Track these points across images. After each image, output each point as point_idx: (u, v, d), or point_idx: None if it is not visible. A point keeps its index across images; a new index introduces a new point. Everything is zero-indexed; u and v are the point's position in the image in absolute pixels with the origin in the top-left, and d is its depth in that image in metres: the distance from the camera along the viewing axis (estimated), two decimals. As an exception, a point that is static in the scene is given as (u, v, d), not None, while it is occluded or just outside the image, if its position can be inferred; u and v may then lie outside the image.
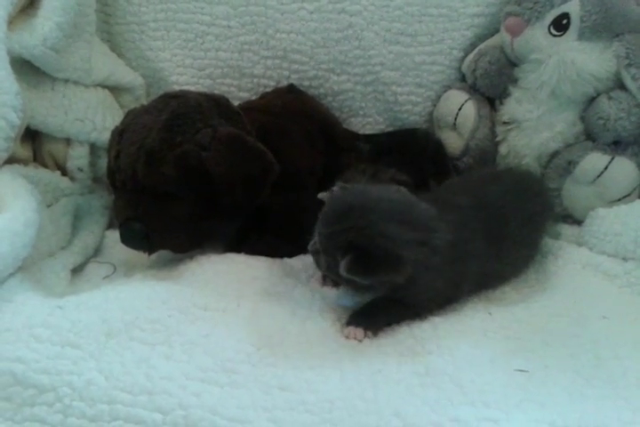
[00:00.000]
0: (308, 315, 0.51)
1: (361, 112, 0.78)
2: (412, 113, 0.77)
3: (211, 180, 0.51)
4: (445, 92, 0.75)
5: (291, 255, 0.59)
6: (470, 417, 0.40)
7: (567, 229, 0.68)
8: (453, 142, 0.74)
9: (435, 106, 0.76)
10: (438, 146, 0.75)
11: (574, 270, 0.60)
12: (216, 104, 0.54)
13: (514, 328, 0.52)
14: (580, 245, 0.64)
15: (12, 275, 0.48)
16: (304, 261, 0.58)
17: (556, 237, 0.68)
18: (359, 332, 0.49)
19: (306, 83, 0.74)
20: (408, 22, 0.71)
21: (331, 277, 0.51)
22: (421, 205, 0.50)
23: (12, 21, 0.58)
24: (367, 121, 0.78)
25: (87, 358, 0.41)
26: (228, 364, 0.43)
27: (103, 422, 0.39)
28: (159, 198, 0.51)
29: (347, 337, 0.49)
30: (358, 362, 0.45)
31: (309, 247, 0.50)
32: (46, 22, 0.58)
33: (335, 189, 0.50)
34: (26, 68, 0.59)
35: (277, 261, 0.58)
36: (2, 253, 0.45)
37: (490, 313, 0.53)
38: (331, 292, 0.54)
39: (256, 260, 0.57)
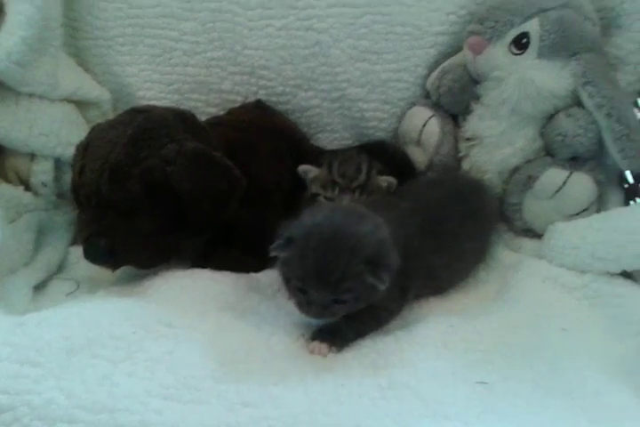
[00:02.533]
0: (272, 331, 0.51)
1: (328, 128, 0.79)
2: (378, 129, 0.78)
3: (176, 195, 0.51)
4: (410, 108, 0.76)
5: (257, 270, 0.60)
6: (426, 428, 0.41)
7: (528, 243, 0.70)
8: (418, 158, 0.75)
9: (400, 122, 0.78)
10: (404, 157, 0.76)
11: (534, 283, 0.61)
12: (182, 119, 0.54)
13: (475, 340, 0.53)
14: (539, 258, 0.65)
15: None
16: (270, 276, 0.59)
17: (517, 250, 0.70)
18: (324, 347, 0.50)
19: (273, 98, 0.75)
20: (374, 40, 0.72)
21: (300, 302, 0.50)
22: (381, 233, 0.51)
23: None
24: (334, 137, 0.79)
25: (47, 377, 0.41)
26: (190, 380, 0.43)
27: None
28: (124, 214, 0.51)
29: (312, 352, 0.49)
30: (322, 377, 0.46)
31: (273, 252, 0.50)
32: (10, 37, 0.58)
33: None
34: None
35: (244, 275, 0.58)
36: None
37: (451, 325, 0.54)
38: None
39: (222, 275, 0.57)
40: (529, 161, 0.69)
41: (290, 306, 0.55)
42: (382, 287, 0.48)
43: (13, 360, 0.41)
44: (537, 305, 0.58)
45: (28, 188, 0.61)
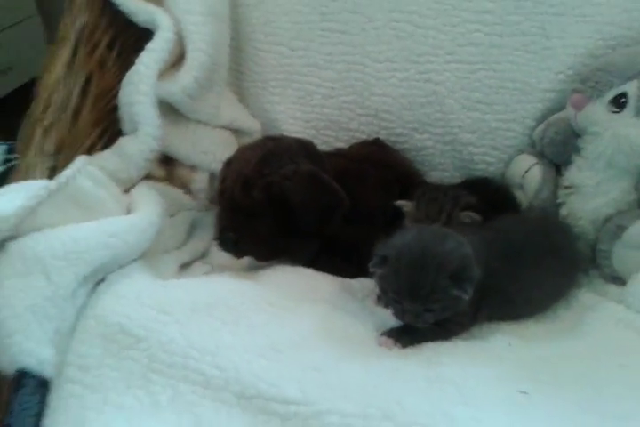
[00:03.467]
0: (353, 323, 0.61)
1: (440, 167, 0.88)
2: (486, 172, 0.86)
3: (289, 206, 0.64)
4: (517, 155, 0.84)
5: (352, 277, 0.70)
6: (460, 414, 0.48)
7: (614, 289, 0.72)
8: (519, 201, 0.82)
9: (507, 167, 0.85)
10: (507, 194, 0.82)
11: (607, 323, 0.65)
12: (304, 147, 0.68)
13: (528, 360, 0.58)
14: (619, 302, 0.69)
15: (134, 260, 0.63)
16: (361, 283, 0.69)
17: (603, 295, 0.73)
18: (390, 342, 0.59)
19: (392, 138, 0.86)
20: (486, 93, 0.81)
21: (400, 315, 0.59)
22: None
23: (161, 74, 0.75)
24: (445, 175, 0.88)
25: (173, 323, 0.55)
26: (277, 345, 0.55)
27: (176, 369, 0.52)
28: (249, 216, 0.65)
29: (379, 345, 0.59)
30: (382, 360, 0.55)
31: (371, 269, 0.60)
32: (186, 76, 0.75)
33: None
34: (168, 109, 0.76)
35: (340, 279, 0.69)
36: (128, 242, 0.61)
37: (510, 344, 0.60)
38: (380, 310, 0.64)
39: (322, 275, 0.68)
40: (621, 212, 0.73)
41: (373, 308, 0.65)
42: (466, 297, 0.56)
43: (154, 308, 0.56)
44: (602, 340, 0.62)
45: (188, 192, 0.78)
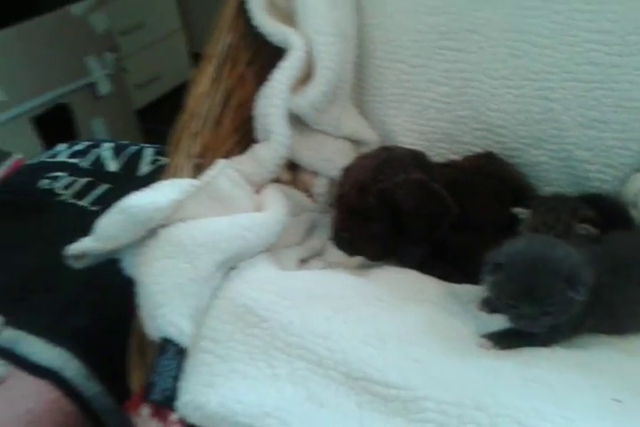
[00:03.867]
0: (455, 323, 0.65)
1: (554, 183, 0.89)
2: (600, 189, 0.86)
3: (400, 211, 0.70)
4: (633, 173, 0.84)
5: (458, 282, 0.74)
6: (551, 412, 0.51)
7: None
8: (634, 219, 0.82)
9: (622, 185, 0.85)
10: (622, 211, 0.82)
11: None
12: (416, 158, 0.74)
13: (629, 373, 0.59)
14: None
15: (261, 252, 0.72)
16: (466, 289, 0.72)
17: None
18: (489, 344, 0.62)
19: (506, 153, 0.88)
20: (603, 111, 0.82)
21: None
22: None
23: (292, 89, 0.83)
24: (558, 191, 0.88)
25: (292, 308, 0.62)
26: (383, 336, 0.60)
27: (293, 348, 0.59)
28: (363, 218, 0.72)
29: (478, 346, 0.63)
30: (481, 359, 0.59)
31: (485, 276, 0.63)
32: (314, 91, 0.83)
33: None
34: (296, 120, 0.84)
35: (445, 282, 0.73)
36: (258, 236, 0.70)
37: (610, 357, 0.61)
38: (483, 315, 0.68)
39: (428, 278, 0.73)
40: None
41: (476, 312, 0.68)
42: (580, 298, 0.59)
43: (275, 293, 0.64)
44: None
45: (309, 195, 0.86)
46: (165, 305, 0.63)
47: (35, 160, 1.25)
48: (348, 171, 0.75)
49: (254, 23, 0.87)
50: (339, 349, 0.58)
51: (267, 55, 0.92)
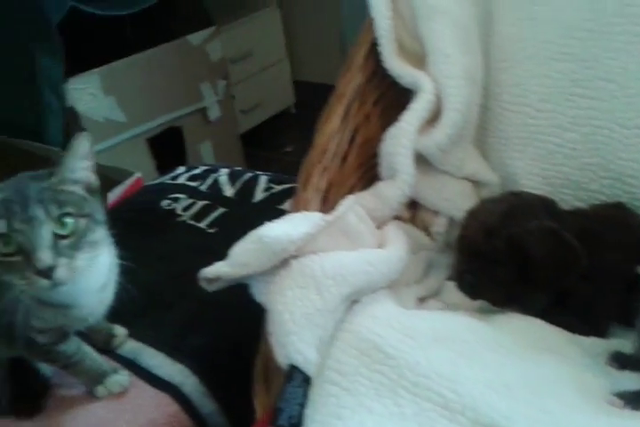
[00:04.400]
0: (583, 376, 0.64)
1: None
2: None
3: (529, 258, 0.70)
4: None
5: (585, 334, 0.72)
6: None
7: None
8: None
9: None
10: None
11: None
12: (545, 204, 0.74)
13: None
14: None
15: (382, 287, 0.74)
16: (593, 341, 0.71)
17: None
18: (620, 403, 0.61)
19: (636, 203, 0.85)
20: None
21: None
22: None
23: (419, 130, 0.86)
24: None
25: (418, 348, 0.63)
26: (509, 384, 0.60)
27: (419, 388, 0.60)
28: (488, 262, 0.72)
29: (609, 403, 0.61)
30: (611, 417, 0.57)
31: None
32: (441, 132, 0.85)
33: None
34: (419, 160, 0.86)
35: (569, 333, 0.72)
36: (382, 272, 0.72)
37: None
38: (614, 370, 0.66)
39: (552, 327, 0.72)
40: None
41: (605, 367, 0.67)
42: None
43: (401, 332, 0.65)
44: None
45: (427, 233, 0.88)
46: (294, 333, 0.65)
47: (157, 181, 1.34)
48: (473, 213, 0.76)
49: (384, 65, 0.91)
50: (466, 393, 0.58)
51: (391, 95, 0.95)
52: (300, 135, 2.49)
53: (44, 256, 0.61)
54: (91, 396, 0.80)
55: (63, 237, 0.63)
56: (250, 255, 0.72)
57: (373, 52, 0.94)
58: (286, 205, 1.16)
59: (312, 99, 2.69)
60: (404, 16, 0.92)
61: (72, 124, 1.72)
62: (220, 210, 1.18)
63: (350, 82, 0.90)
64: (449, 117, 0.85)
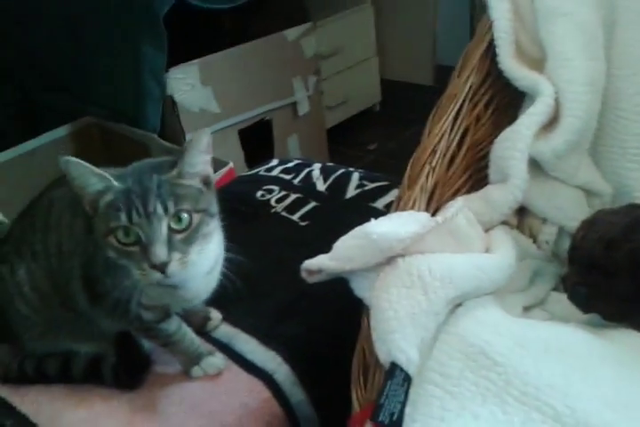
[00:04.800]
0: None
1: None
2: None
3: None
4: None
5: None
6: None
7: None
8: None
9: None
10: None
11: None
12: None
13: None
14: None
15: (487, 294, 0.72)
16: None
17: None
18: None
19: None
20: None
21: None
22: None
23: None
24: None
25: (528, 357, 0.62)
26: (627, 402, 0.57)
27: (528, 398, 0.58)
28: (605, 275, 0.69)
29: None
30: None
31: None
32: (559, 138, 0.83)
33: None
34: (531, 165, 0.84)
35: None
36: (490, 277, 0.71)
37: None
38: None
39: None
40: None
41: None
42: None
43: (510, 340, 0.64)
44: None
45: (534, 241, 0.86)
46: (398, 332, 0.65)
47: (251, 172, 1.37)
48: (591, 224, 0.73)
49: (500, 67, 0.89)
50: (580, 408, 0.57)
51: (503, 98, 0.94)
52: (384, 134, 2.48)
53: (159, 252, 0.64)
54: (186, 376, 0.82)
55: (178, 231, 0.66)
56: (354, 251, 0.72)
57: (489, 52, 0.92)
58: (378, 203, 1.16)
59: (397, 98, 2.70)
60: (524, 18, 0.90)
61: (169, 112, 1.78)
62: (312, 204, 1.19)
63: (464, 82, 0.89)
64: (569, 123, 0.82)
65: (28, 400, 0.81)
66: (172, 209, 0.65)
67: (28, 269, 0.78)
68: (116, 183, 0.66)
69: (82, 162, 0.65)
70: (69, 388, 0.81)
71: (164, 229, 0.65)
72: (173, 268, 0.65)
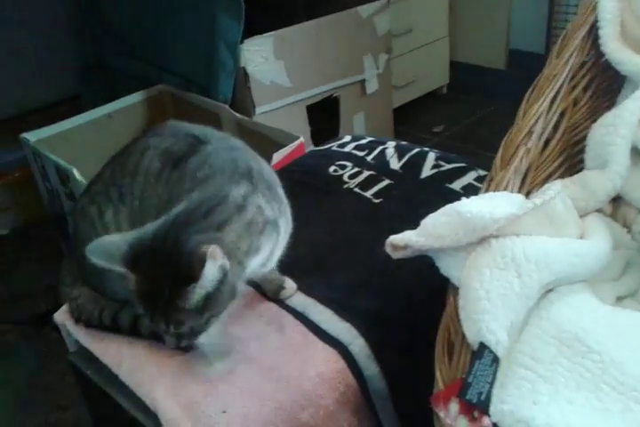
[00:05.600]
0: None
1: None
2: None
3: None
4: None
5: None
6: None
7: None
8: None
9: None
10: None
11: None
12: None
13: None
14: None
15: (580, 281, 0.71)
16: None
17: None
18: None
19: None
20: None
21: None
22: None
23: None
24: None
25: (626, 347, 0.60)
26: None
27: (626, 387, 0.57)
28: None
29: None
30: None
31: None
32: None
33: None
34: (632, 152, 0.82)
35: None
36: (586, 264, 0.69)
37: None
38: None
39: None
40: None
41: None
42: None
43: (607, 328, 0.62)
44: None
45: (628, 231, 0.83)
46: (488, 312, 0.64)
47: (323, 147, 1.36)
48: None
49: (603, 49, 0.86)
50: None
51: (601, 82, 0.90)
52: (449, 116, 2.44)
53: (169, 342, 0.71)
54: (265, 342, 0.83)
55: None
56: (446, 228, 0.71)
57: (591, 34, 0.89)
58: (455, 184, 1.14)
59: (465, 80, 2.64)
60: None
61: (241, 84, 1.79)
62: (386, 182, 1.18)
63: (564, 63, 0.86)
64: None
65: (111, 352, 0.84)
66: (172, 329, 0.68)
67: (115, 211, 0.80)
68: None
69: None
70: (153, 344, 0.83)
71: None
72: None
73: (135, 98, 1.82)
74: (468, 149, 2.12)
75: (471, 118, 2.39)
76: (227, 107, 1.73)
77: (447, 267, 0.73)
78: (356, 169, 1.23)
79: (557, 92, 0.85)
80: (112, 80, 2.14)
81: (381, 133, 2.16)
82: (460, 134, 2.30)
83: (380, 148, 1.30)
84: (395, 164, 1.24)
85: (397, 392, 0.84)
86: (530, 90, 0.87)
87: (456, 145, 2.20)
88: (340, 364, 0.82)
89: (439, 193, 1.11)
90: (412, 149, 1.28)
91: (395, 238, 0.76)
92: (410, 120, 2.40)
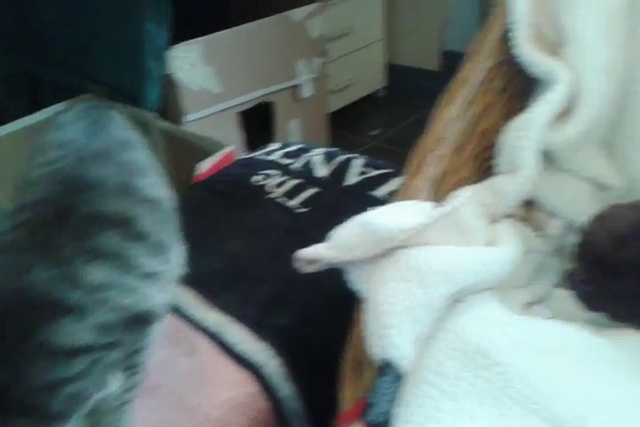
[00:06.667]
0: None
1: None
2: None
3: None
4: None
5: None
6: None
7: None
8: None
9: None
10: None
11: None
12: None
13: None
14: None
15: (487, 289, 0.69)
16: None
17: None
18: None
19: None
20: None
21: None
22: None
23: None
24: None
25: (528, 358, 0.58)
26: (627, 405, 0.55)
27: (528, 401, 0.55)
28: (613, 273, 0.66)
29: None
30: None
31: None
32: (572, 129, 0.79)
33: None
34: (543, 155, 0.80)
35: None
36: (492, 272, 0.67)
37: None
38: None
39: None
40: None
41: None
42: None
43: (510, 339, 0.60)
44: None
45: (539, 235, 0.82)
46: (394, 327, 0.62)
47: (249, 156, 1.33)
48: (601, 219, 0.70)
49: (516, 51, 0.85)
50: (581, 413, 0.53)
51: (516, 85, 0.89)
52: (386, 119, 2.44)
53: None
54: (172, 367, 0.79)
55: None
56: (354, 240, 0.69)
57: (505, 36, 0.87)
58: (380, 191, 1.12)
59: (401, 83, 2.65)
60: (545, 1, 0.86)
61: (170, 91, 1.74)
62: (312, 190, 1.15)
63: (476, 67, 0.84)
64: (585, 113, 0.78)
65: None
66: None
67: None
68: None
69: None
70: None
71: None
72: None
73: (59, 108, 1.74)
74: (406, 152, 2.11)
75: (407, 121, 2.39)
76: (155, 115, 1.67)
77: (357, 280, 0.71)
78: (281, 178, 1.20)
79: (470, 96, 0.83)
80: (37, 90, 2.05)
81: (318, 138, 2.14)
82: (397, 137, 2.30)
83: (308, 155, 1.27)
84: (321, 171, 1.21)
85: (313, 412, 0.81)
86: (443, 94, 0.86)
87: (393, 148, 2.19)
88: (252, 387, 0.78)
89: (363, 200, 1.09)
90: (339, 156, 1.25)
91: (304, 252, 0.73)
92: (347, 124, 2.39)
